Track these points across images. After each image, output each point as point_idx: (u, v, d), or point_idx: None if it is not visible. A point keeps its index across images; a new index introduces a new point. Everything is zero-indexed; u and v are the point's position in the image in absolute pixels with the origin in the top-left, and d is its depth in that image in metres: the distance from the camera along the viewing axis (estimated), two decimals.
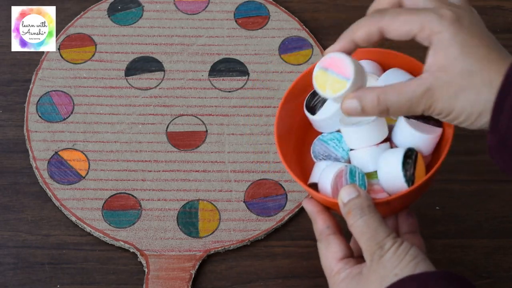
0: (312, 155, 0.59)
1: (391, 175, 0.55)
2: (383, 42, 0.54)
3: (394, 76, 0.59)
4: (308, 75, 0.58)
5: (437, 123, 0.57)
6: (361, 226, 0.52)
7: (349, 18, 0.80)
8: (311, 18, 0.81)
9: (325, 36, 0.79)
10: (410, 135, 0.56)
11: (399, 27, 0.51)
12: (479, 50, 0.49)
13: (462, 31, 0.50)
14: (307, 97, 0.60)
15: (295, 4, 0.81)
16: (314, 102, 0.60)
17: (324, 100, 0.59)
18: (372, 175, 0.56)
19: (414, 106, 0.50)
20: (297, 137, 0.61)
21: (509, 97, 0.47)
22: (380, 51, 0.62)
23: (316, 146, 0.59)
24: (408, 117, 0.57)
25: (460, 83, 0.49)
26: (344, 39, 0.53)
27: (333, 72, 0.52)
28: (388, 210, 0.58)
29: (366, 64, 0.62)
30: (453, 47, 0.49)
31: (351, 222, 0.52)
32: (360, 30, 0.52)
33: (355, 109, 0.52)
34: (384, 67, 0.62)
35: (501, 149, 0.49)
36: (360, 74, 0.52)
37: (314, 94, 0.59)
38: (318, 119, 0.58)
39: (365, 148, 0.56)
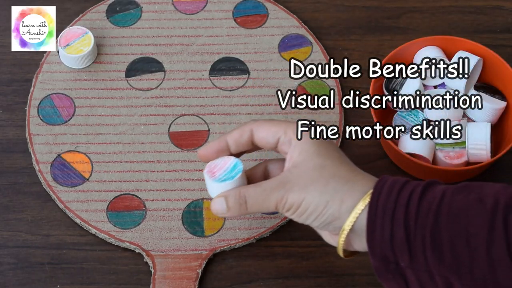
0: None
1: (479, 146, 0.67)
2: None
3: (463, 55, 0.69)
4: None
5: (502, 97, 0.70)
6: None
7: (349, 18, 0.81)
8: (311, 18, 0.80)
9: (325, 36, 0.79)
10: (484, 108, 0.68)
11: (268, 128, 0.58)
12: (333, 153, 0.56)
13: (320, 141, 0.57)
14: (384, 81, 0.71)
15: (295, 4, 0.81)
16: (393, 85, 0.71)
17: (402, 82, 0.71)
18: (460, 143, 0.69)
19: (268, 197, 0.56)
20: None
21: (378, 219, 0.52)
22: (445, 37, 0.72)
23: (396, 121, 0.71)
24: (477, 89, 0.70)
25: (311, 175, 0.55)
26: (219, 139, 0.60)
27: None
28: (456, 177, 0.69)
29: (432, 49, 0.71)
30: (311, 147, 0.56)
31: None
32: (234, 132, 0.59)
33: (221, 208, 0.58)
34: (447, 54, 0.72)
35: (384, 270, 0.53)
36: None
37: (391, 79, 0.70)
38: None
39: None
